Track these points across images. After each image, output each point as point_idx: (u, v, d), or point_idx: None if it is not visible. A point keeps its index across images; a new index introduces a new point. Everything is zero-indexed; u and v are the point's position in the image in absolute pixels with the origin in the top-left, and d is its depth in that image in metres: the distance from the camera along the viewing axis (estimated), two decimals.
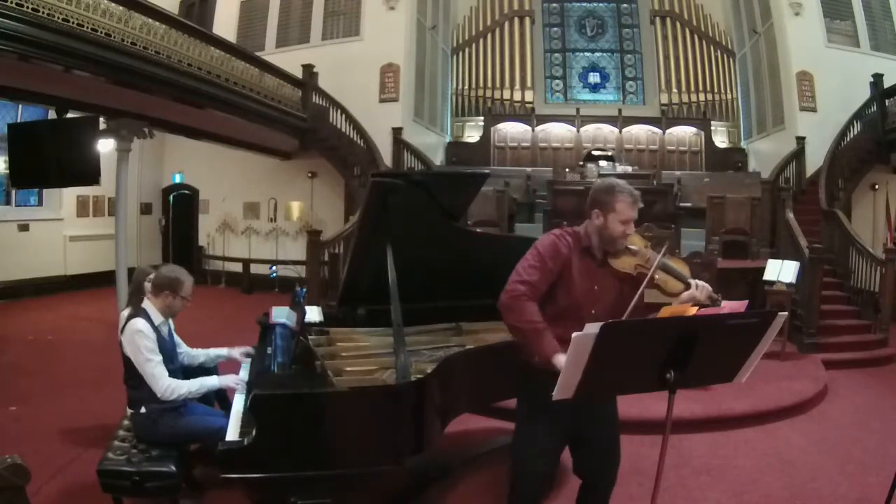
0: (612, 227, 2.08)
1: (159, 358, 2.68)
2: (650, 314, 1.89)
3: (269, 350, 2.89)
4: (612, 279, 2.13)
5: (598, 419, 2.18)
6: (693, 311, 1.74)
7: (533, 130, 12.41)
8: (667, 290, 2.08)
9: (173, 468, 2.53)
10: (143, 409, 2.68)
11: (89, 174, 6.58)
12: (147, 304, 2.84)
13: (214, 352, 3.16)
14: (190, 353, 3.11)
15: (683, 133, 12.23)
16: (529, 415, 2.18)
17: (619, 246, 2.11)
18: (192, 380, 2.77)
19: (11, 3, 4.75)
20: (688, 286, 2.04)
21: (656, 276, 2.07)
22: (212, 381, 2.82)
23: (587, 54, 13.58)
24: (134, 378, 2.69)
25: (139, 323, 2.69)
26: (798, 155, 9.60)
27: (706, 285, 2.03)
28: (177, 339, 3.07)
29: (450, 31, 12.77)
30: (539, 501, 2.28)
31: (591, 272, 2.12)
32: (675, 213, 8.25)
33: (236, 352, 3.13)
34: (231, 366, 3.14)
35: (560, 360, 1.87)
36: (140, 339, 2.65)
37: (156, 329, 2.74)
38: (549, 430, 2.11)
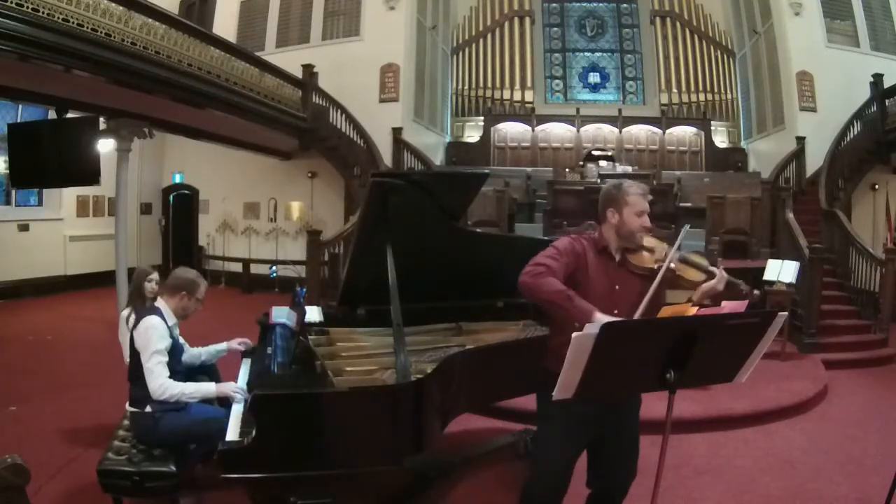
0: (630, 222, 2.09)
1: (165, 358, 2.65)
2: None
3: (269, 350, 2.88)
4: (632, 278, 2.12)
5: (621, 423, 2.19)
6: (693, 311, 1.74)
7: (533, 130, 12.39)
8: (687, 281, 2.05)
9: (173, 468, 2.53)
10: (147, 409, 2.65)
11: (89, 174, 6.58)
12: (161, 304, 2.82)
13: (214, 348, 3.15)
14: (191, 353, 3.08)
15: (683, 133, 12.22)
16: (552, 419, 2.16)
17: (638, 241, 2.11)
18: (188, 383, 2.69)
19: (11, 3, 4.75)
20: (710, 275, 2.01)
21: (675, 268, 2.04)
22: (208, 388, 2.72)
23: (587, 54, 13.57)
24: (141, 376, 2.65)
25: (155, 320, 2.68)
26: (798, 155, 9.60)
27: (724, 273, 1.99)
28: (181, 340, 3.05)
29: (450, 31, 12.75)
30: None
31: (611, 273, 2.12)
32: (676, 212, 8.25)
33: (235, 343, 3.12)
34: (231, 366, 3.13)
35: (598, 316, 1.86)
36: (153, 333, 2.63)
37: (169, 329, 2.73)
38: (570, 434, 2.11)
